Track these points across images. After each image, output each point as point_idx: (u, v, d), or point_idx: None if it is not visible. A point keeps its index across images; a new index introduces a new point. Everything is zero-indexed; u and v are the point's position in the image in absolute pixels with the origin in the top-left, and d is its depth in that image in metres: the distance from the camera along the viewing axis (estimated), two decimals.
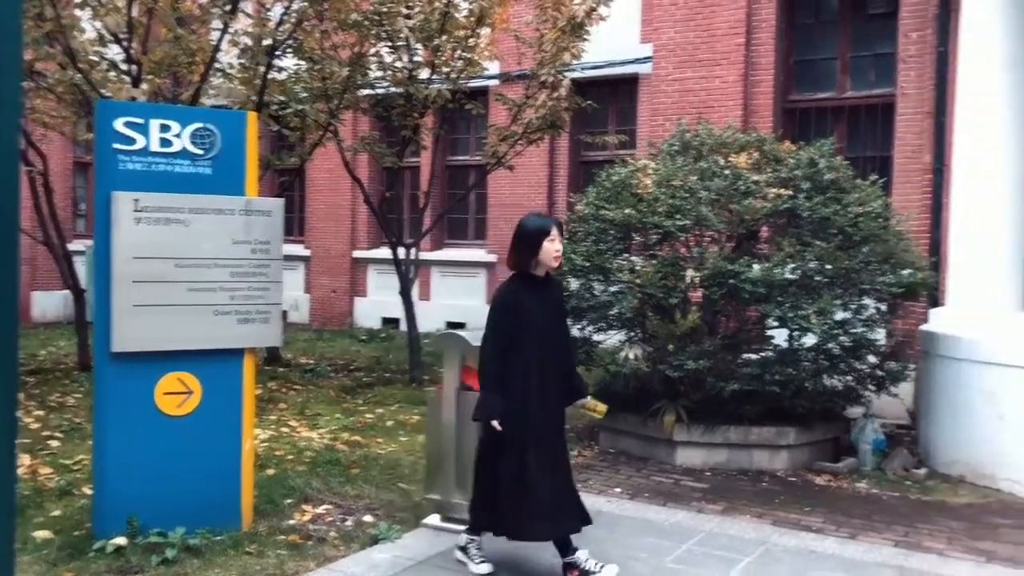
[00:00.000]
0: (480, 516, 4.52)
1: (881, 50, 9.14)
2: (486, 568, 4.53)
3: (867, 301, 6.68)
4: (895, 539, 5.30)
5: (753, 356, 6.95)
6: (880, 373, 6.88)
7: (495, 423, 4.24)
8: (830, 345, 6.64)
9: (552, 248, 4.34)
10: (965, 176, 7.26)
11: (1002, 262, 7.05)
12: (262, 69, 9.17)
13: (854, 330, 6.60)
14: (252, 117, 5.05)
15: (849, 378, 6.90)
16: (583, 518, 4.45)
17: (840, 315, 6.51)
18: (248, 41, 9.20)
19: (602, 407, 4.82)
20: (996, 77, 7.06)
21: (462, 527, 4.99)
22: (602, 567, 4.40)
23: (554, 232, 4.36)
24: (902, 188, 8.62)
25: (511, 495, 4.30)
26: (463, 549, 4.65)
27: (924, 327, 7.43)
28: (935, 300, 8.04)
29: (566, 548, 4.44)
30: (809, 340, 6.71)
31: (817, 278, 6.45)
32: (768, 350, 7.00)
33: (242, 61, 9.32)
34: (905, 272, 6.69)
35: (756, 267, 6.47)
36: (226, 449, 4.94)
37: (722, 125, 8.03)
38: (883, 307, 6.80)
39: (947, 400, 6.80)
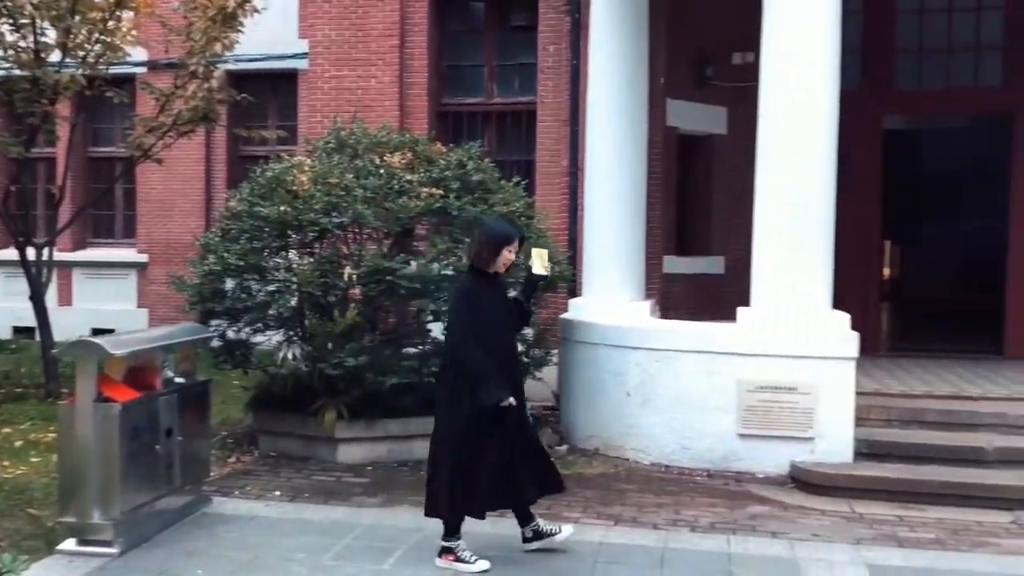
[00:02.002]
0: (458, 511, 4.67)
1: (524, 60, 9.85)
2: (485, 564, 4.67)
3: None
4: (539, 512, 5.67)
5: (413, 350, 7.17)
6: (526, 359, 7.40)
7: (510, 400, 4.55)
8: None
9: (510, 257, 4.80)
10: (593, 180, 8.05)
11: (624, 256, 7.91)
12: None
13: None
14: None
15: None
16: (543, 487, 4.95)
17: None
18: None
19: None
20: (615, 92, 7.90)
21: (104, 549, 4.65)
22: (560, 527, 4.97)
23: (515, 244, 4.81)
24: (544, 189, 9.36)
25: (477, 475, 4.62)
26: (449, 553, 4.69)
27: (564, 316, 8.12)
28: (574, 291, 8.83)
29: (527, 518, 4.90)
30: None
31: None
32: (427, 343, 7.25)
33: None
34: None
35: (413, 264, 6.68)
36: None
37: (379, 125, 8.17)
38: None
39: (583, 381, 7.50)
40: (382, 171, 6.96)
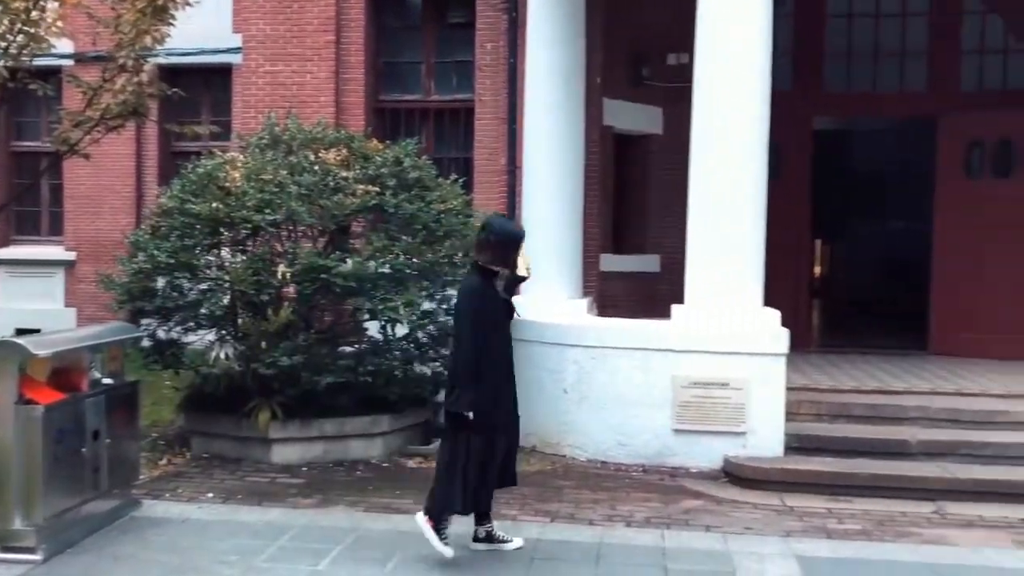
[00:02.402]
0: (467, 501, 4.78)
1: (462, 57, 9.82)
2: (451, 552, 4.74)
3: (451, 292, 7.14)
4: None
5: (349, 349, 7.11)
6: None
7: (469, 414, 4.67)
8: (419, 334, 7.01)
9: (515, 259, 4.94)
10: (531, 178, 8.08)
11: (562, 254, 7.96)
12: None
13: (440, 319, 7.04)
14: None
15: (437, 364, 7.33)
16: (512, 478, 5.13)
17: (427, 306, 6.90)
18: None
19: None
20: (553, 90, 7.95)
21: (26, 556, 4.52)
22: (512, 539, 5.04)
23: (522, 245, 5.00)
24: (482, 187, 9.35)
25: (485, 475, 4.81)
26: (433, 519, 4.75)
27: None
28: None
29: (486, 517, 5.01)
30: (401, 331, 7.03)
31: (406, 271, 6.77)
32: (364, 342, 7.19)
33: None
34: None
35: (349, 262, 6.61)
36: None
37: (315, 121, 8.07)
38: None
39: (520, 379, 7.35)
40: (317, 168, 6.88)
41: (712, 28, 6.78)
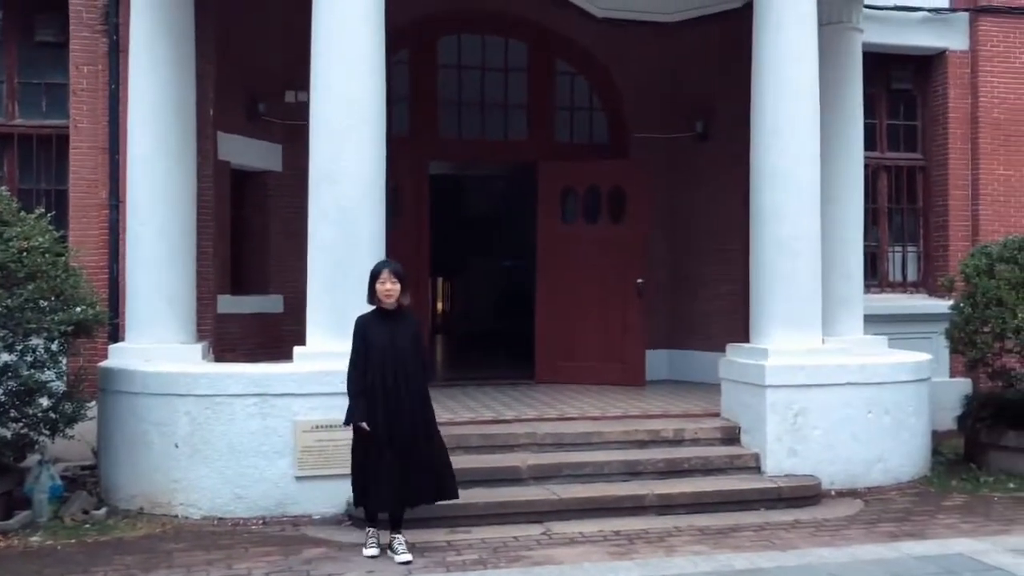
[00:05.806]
0: (359, 503, 5.80)
1: (53, 80, 8.81)
2: (374, 551, 5.68)
3: (36, 341, 6.32)
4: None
5: None
6: (54, 416, 6.55)
7: (363, 424, 5.54)
8: None
9: (383, 288, 5.64)
10: (136, 214, 7.48)
11: (172, 296, 7.44)
12: None
13: (23, 373, 6.19)
14: None
15: (20, 425, 6.42)
16: (439, 494, 5.82)
17: (4, 358, 6.03)
18: None
19: None
20: (160, 122, 7.45)
21: None
22: (405, 555, 5.61)
23: (385, 275, 5.64)
24: (79, 223, 8.40)
25: (375, 478, 5.57)
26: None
27: (103, 364, 7.34)
28: (116, 336, 8.06)
29: (396, 524, 5.71)
30: None
31: None
32: None
33: None
34: (77, 309, 6.50)
35: None
36: None
37: None
38: (55, 346, 6.51)
39: (124, 435, 6.83)
40: None
41: (326, 70, 6.79)
